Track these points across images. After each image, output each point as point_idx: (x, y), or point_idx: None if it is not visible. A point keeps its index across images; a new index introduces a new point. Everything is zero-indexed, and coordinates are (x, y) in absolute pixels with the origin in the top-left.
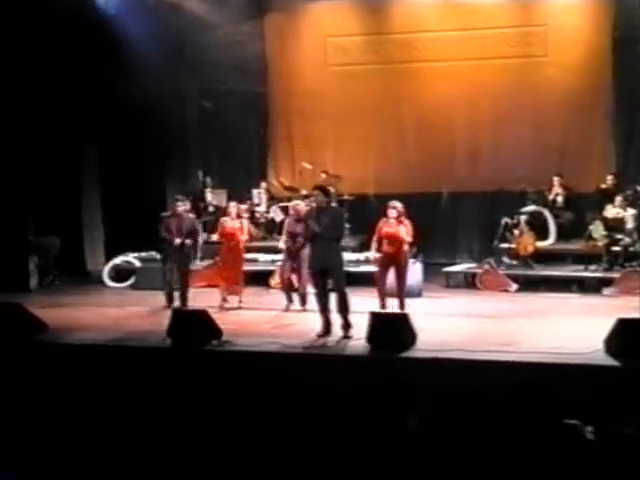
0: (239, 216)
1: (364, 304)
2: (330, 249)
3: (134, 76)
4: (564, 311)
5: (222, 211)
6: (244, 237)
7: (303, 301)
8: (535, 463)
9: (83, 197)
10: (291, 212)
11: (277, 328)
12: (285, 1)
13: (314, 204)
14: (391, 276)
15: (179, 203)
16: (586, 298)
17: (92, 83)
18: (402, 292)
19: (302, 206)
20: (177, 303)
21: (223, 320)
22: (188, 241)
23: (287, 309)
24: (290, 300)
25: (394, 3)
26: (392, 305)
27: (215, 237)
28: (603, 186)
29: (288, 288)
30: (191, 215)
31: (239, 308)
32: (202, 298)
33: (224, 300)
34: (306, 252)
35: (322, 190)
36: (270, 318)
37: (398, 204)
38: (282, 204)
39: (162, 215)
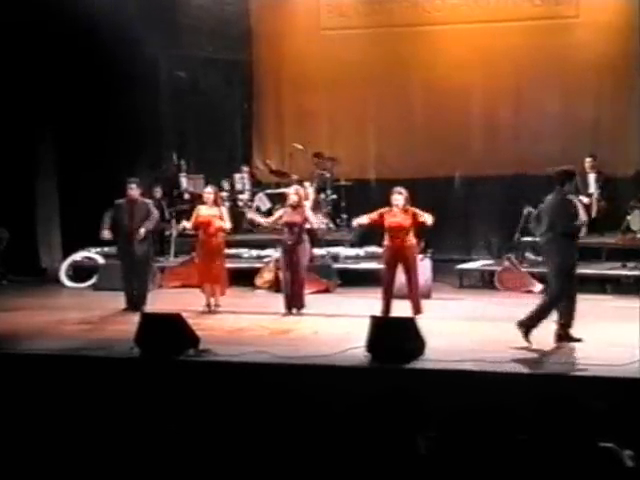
0: (216, 203)
1: (364, 306)
2: None
3: (94, 43)
4: (597, 315)
5: (198, 198)
6: (227, 225)
7: (299, 304)
8: None
9: (37, 184)
10: (291, 198)
11: (265, 335)
12: None
13: (308, 190)
14: (400, 274)
15: (132, 186)
16: (623, 300)
17: (45, 53)
18: (415, 292)
19: (303, 191)
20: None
21: (201, 326)
22: (142, 230)
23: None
24: (289, 306)
25: None
26: (403, 308)
27: (187, 224)
28: None
29: (278, 287)
30: (146, 200)
31: (212, 312)
32: (176, 300)
33: (208, 305)
34: (305, 246)
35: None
36: (257, 324)
37: (404, 190)
38: (269, 191)
39: (115, 202)
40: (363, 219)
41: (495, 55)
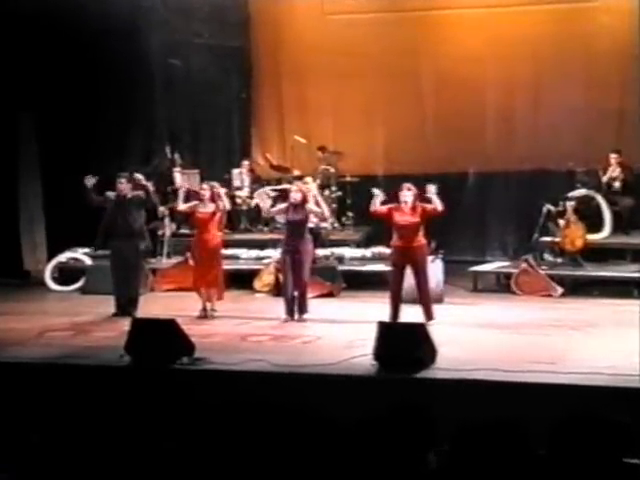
0: (213, 200)
1: (371, 311)
2: None
3: (81, 26)
4: (622, 322)
5: (194, 195)
6: (228, 206)
7: (301, 309)
8: None
9: (20, 180)
10: (294, 195)
11: (264, 342)
12: None
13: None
14: (409, 277)
15: (122, 181)
16: None
17: (26, 34)
18: (427, 296)
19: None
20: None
21: (195, 332)
22: (135, 225)
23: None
24: (290, 311)
25: None
26: (413, 313)
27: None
28: None
29: (278, 291)
30: (136, 193)
31: (208, 317)
32: (170, 304)
33: (204, 310)
34: (308, 247)
35: None
36: (255, 330)
37: (414, 187)
38: (269, 187)
39: (106, 194)
40: (377, 204)
41: (512, 42)
